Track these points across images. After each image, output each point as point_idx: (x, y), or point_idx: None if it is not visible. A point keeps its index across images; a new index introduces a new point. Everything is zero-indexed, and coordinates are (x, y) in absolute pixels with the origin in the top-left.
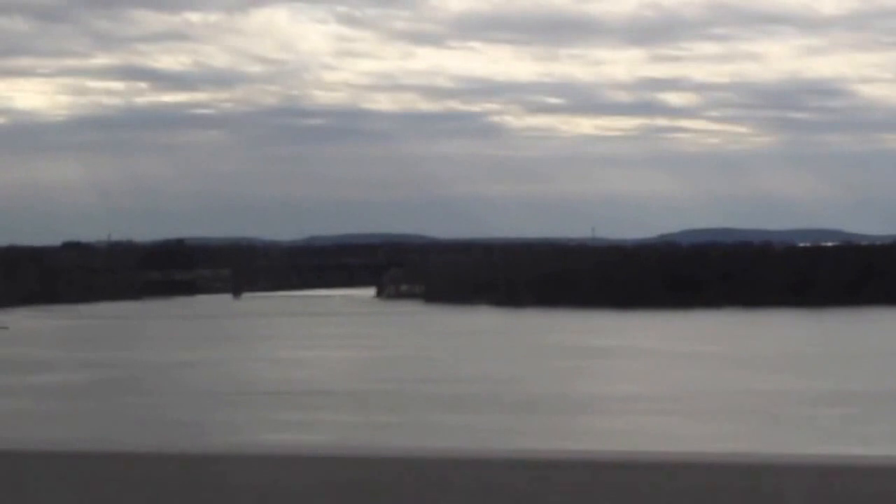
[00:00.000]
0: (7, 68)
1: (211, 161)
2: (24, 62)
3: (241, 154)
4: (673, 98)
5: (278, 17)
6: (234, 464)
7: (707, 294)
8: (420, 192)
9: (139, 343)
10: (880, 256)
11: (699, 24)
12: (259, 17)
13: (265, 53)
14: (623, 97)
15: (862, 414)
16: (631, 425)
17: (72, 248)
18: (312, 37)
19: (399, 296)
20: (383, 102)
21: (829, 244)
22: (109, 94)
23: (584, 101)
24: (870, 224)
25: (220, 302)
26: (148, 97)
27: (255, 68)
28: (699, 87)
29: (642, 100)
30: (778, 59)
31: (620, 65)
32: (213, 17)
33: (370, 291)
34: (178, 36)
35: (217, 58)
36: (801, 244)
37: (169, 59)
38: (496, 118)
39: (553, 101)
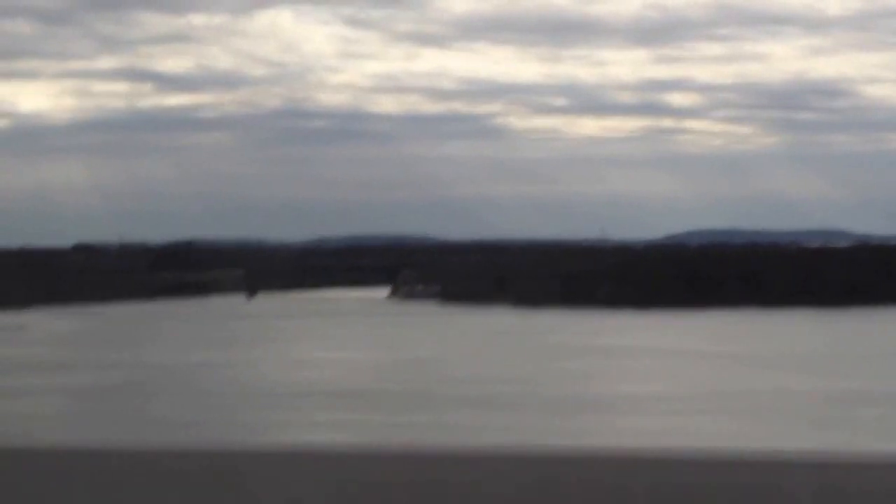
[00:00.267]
0: (11, 71)
1: (215, 163)
2: (28, 64)
3: (246, 156)
4: (677, 99)
5: (282, 19)
6: (246, 462)
7: (724, 294)
8: (424, 193)
9: (159, 344)
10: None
11: (703, 24)
12: (263, 19)
13: (269, 55)
14: (627, 98)
15: None
16: (669, 425)
17: (83, 249)
18: (316, 39)
19: (414, 296)
20: (387, 104)
21: (844, 244)
22: (113, 96)
23: (588, 102)
24: (876, 224)
25: (234, 303)
26: (152, 99)
27: (260, 70)
28: (703, 88)
29: (646, 101)
30: (782, 59)
31: (624, 66)
32: (217, 20)
33: (384, 292)
34: (182, 38)
35: (221, 60)
36: (811, 244)
37: (173, 62)
38: (500, 119)
39: (557, 102)
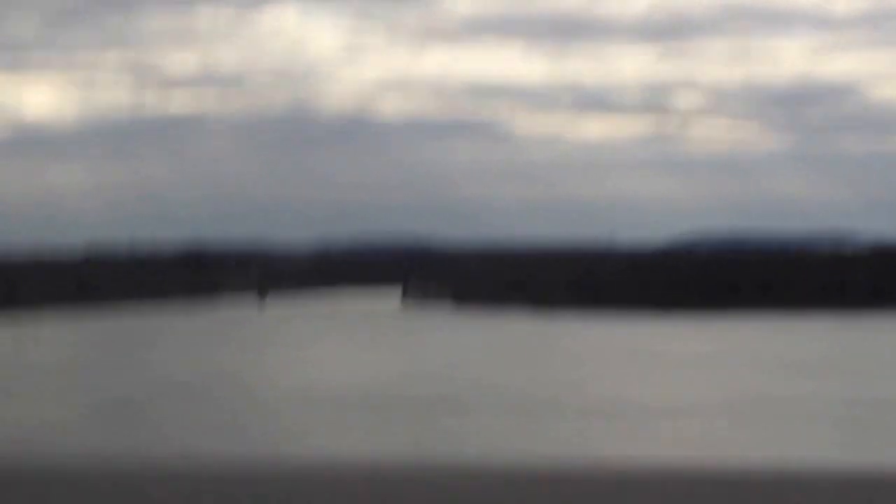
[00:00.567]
0: (17, 68)
1: (220, 163)
2: (34, 63)
3: (250, 156)
4: (683, 99)
5: (288, 18)
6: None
7: (743, 298)
8: (429, 195)
9: (182, 346)
10: None
11: (710, 24)
12: (268, 18)
13: (274, 54)
14: (633, 98)
15: None
16: (722, 431)
17: (94, 251)
18: (322, 38)
19: (427, 300)
20: (393, 105)
21: (854, 246)
22: (118, 96)
23: (593, 101)
24: (884, 225)
25: (247, 305)
26: (157, 99)
27: (264, 69)
28: (710, 88)
29: (652, 101)
30: (789, 59)
31: (630, 65)
32: (222, 18)
33: (395, 295)
34: (186, 36)
35: (226, 59)
36: (823, 246)
37: (177, 60)
38: (505, 119)
39: (562, 101)
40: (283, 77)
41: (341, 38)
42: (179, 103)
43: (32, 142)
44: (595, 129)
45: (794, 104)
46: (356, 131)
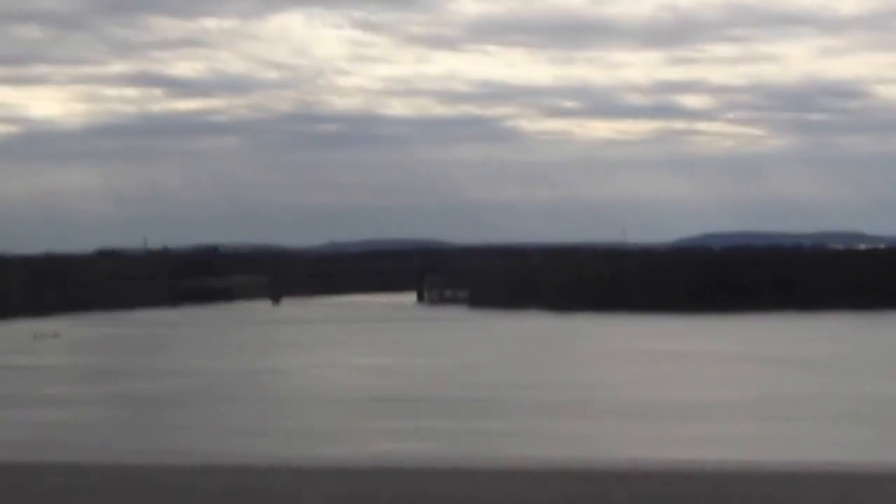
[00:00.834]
0: (23, 76)
1: (227, 167)
2: (40, 70)
3: (257, 160)
4: (690, 101)
5: (293, 23)
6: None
7: (760, 297)
8: (436, 197)
9: (201, 350)
10: None
11: (716, 25)
12: (274, 23)
13: (280, 59)
14: (640, 100)
15: None
16: (755, 432)
17: (106, 255)
18: (328, 42)
19: (442, 301)
20: (399, 107)
21: (863, 246)
22: (124, 101)
23: (600, 104)
24: (892, 226)
25: (261, 308)
26: (163, 104)
27: (271, 74)
28: (716, 90)
29: (659, 103)
30: (796, 60)
31: (637, 68)
32: (228, 24)
33: (409, 296)
34: (193, 42)
35: (232, 64)
36: (834, 246)
37: (184, 66)
38: (512, 122)
39: (569, 104)
40: (289, 81)
41: (347, 43)
42: (185, 109)
43: (41, 146)
44: (603, 130)
45: (801, 105)
46: (363, 135)
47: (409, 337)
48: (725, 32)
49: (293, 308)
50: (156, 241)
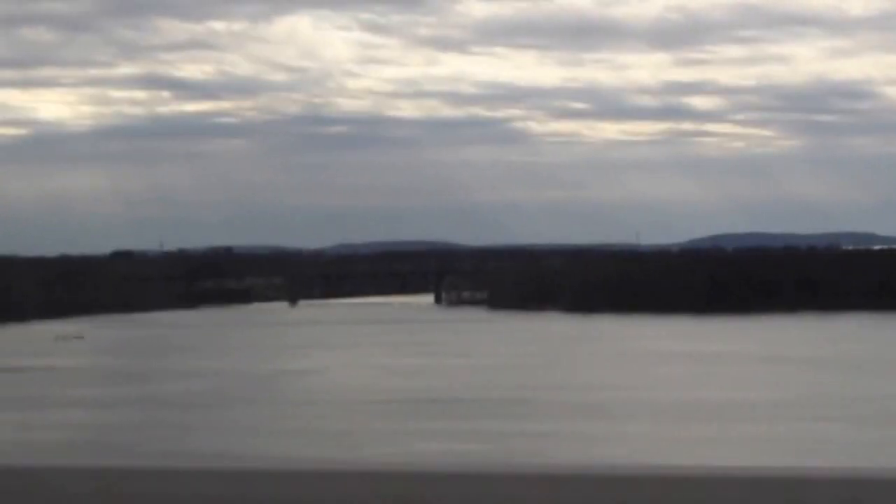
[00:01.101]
0: (31, 79)
1: (235, 170)
2: (48, 72)
3: (265, 162)
4: (698, 102)
5: (302, 25)
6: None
7: (781, 298)
8: (446, 199)
9: (224, 352)
10: None
11: (725, 26)
12: (282, 25)
13: (288, 61)
14: (648, 101)
15: None
16: (799, 434)
17: (121, 257)
18: (336, 44)
19: (460, 302)
20: (407, 109)
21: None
22: (133, 103)
23: (608, 105)
24: None
25: (279, 310)
26: (171, 106)
27: (279, 76)
28: (725, 91)
29: (668, 104)
30: (804, 61)
31: (645, 69)
32: (236, 26)
33: (426, 298)
34: (201, 45)
35: (240, 66)
36: (846, 247)
37: (192, 68)
38: (520, 124)
39: (577, 106)
40: (298, 84)
41: (355, 45)
42: (194, 110)
43: (50, 148)
44: (611, 132)
45: (809, 106)
46: (372, 137)
47: (434, 338)
48: (734, 33)
49: (311, 310)
50: (164, 243)
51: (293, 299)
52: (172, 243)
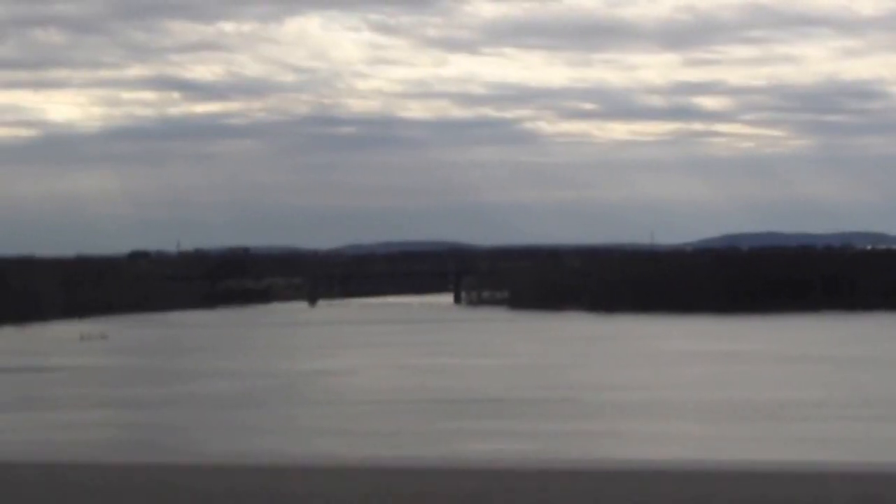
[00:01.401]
0: (42, 80)
1: (244, 171)
2: (59, 74)
3: (274, 163)
4: (708, 102)
5: (311, 26)
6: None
7: (802, 298)
8: (455, 199)
9: (254, 352)
10: None
11: (734, 26)
12: (292, 26)
13: (298, 62)
14: (658, 102)
15: None
16: (861, 433)
17: (138, 257)
18: (345, 45)
19: (480, 302)
20: (416, 110)
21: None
22: (143, 104)
23: (618, 106)
24: None
25: (299, 310)
26: (181, 107)
27: (288, 77)
28: (734, 91)
29: (677, 104)
30: (814, 61)
31: (655, 69)
32: (246, 27)
33: (445, 298)
34: (211, 46)
35: (250, 67)
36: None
37: (202, 69)
38: (529, 124)
39: (587, 106)
40: (307, 84)
41: (364, 46)
42: (204, 111)
43: (60, 150)
44: (621, 132)
45: (819, 106)
46: (381, 137)
47: (459, 338)
48: (743, 33)
49: (330, 309)
50: (174, 244)
51: (313, 299)
52: (186, 244)
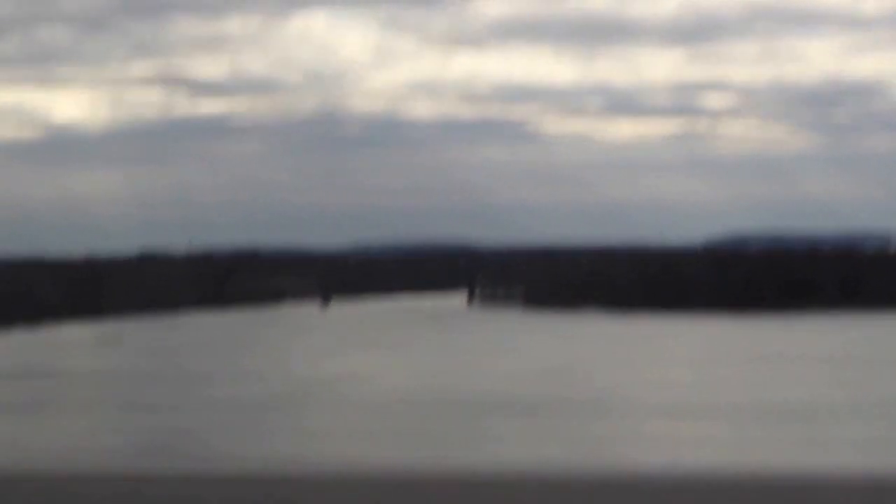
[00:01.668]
0: (47, 78)
1: (250, 169)
2: (64, 71)
3: (280, 162)
4: (713, 100)
5: (317, 23)
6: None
7: (821, 297)
8: (461, 199)
9: (274, 353)
10: None
11: (739, 25)
12: (298, 23)
13: (304, 60)
14: (663, 100)
15: None
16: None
17: (148, 257)
18: (351, 43)
19: (495, 302)
20: (422, 108)
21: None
22: (148, 102)
23: (623, 103)
24: None
25: (311, 310)
26: (186, 105)
27: (294, 75)
28: (739, 89)
29: (682, 102)
30: (819, 59)
31: (660, 67)
32: (252, 24)
33: (456, 297)
34: (216, 43)
35: (256, 65)
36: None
37: (208, 67)
38: (535, 122)
39: (592, 104)
40: (313, 82)
41: (371, 43)
42: (210, 109)
43: (65, 148)
44: (625, 130)
45: (824, 104)
46: (387, 135)
47: (478, 337)
48: (748, 31)
49: (345, 310)
50: (182, 243)
51: (325, 299)
52: (189, 243)
